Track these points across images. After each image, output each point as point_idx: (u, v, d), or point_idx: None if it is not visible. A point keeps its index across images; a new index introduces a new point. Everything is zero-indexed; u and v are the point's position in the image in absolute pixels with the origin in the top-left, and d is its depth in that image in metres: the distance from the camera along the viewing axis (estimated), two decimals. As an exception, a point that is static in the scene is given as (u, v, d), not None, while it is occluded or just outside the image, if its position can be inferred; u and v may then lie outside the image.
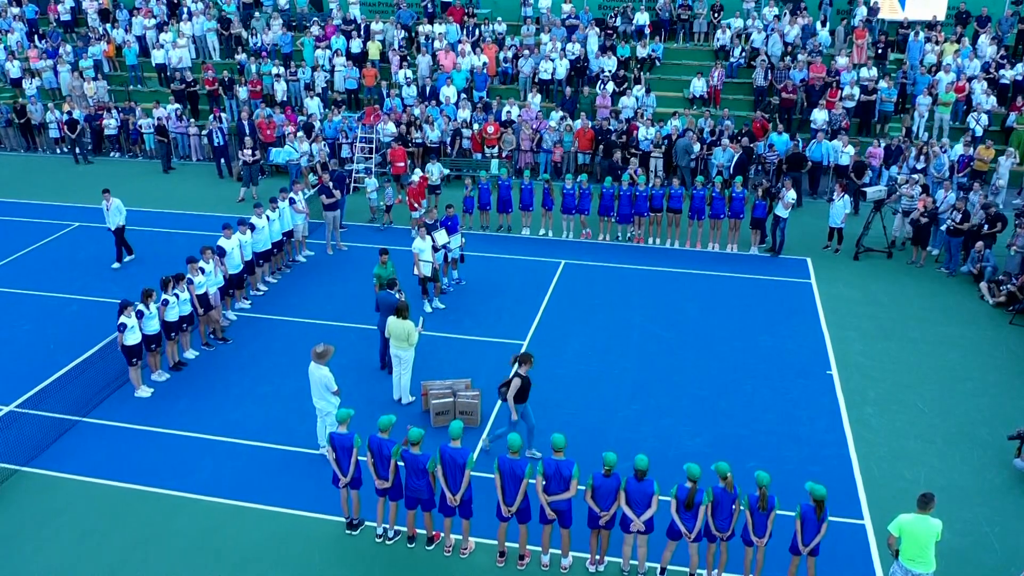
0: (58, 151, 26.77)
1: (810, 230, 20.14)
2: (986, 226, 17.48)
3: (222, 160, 24.21)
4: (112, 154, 26.58)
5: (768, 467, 11.68)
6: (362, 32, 28.51)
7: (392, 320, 12.88)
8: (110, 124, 26.05)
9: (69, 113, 25.79)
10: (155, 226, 20.76)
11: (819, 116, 23.50)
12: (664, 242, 19.63)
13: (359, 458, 10.22)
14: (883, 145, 21.98)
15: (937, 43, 25.63)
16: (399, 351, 13.02)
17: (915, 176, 19.34)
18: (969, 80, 24.19)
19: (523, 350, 11.81)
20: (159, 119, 25.19)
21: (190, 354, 14.83)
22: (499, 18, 29.16)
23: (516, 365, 11.50)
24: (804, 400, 13.53)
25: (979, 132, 22.69)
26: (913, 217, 18.20)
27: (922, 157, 21.07)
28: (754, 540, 9.36)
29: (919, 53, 25.50)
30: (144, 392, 13.69)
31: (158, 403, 13.54)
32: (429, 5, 29.66)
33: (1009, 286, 16.30)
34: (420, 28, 28.72)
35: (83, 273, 18.14)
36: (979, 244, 17.25)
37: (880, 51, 26.18)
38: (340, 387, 11.69)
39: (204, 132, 25.15)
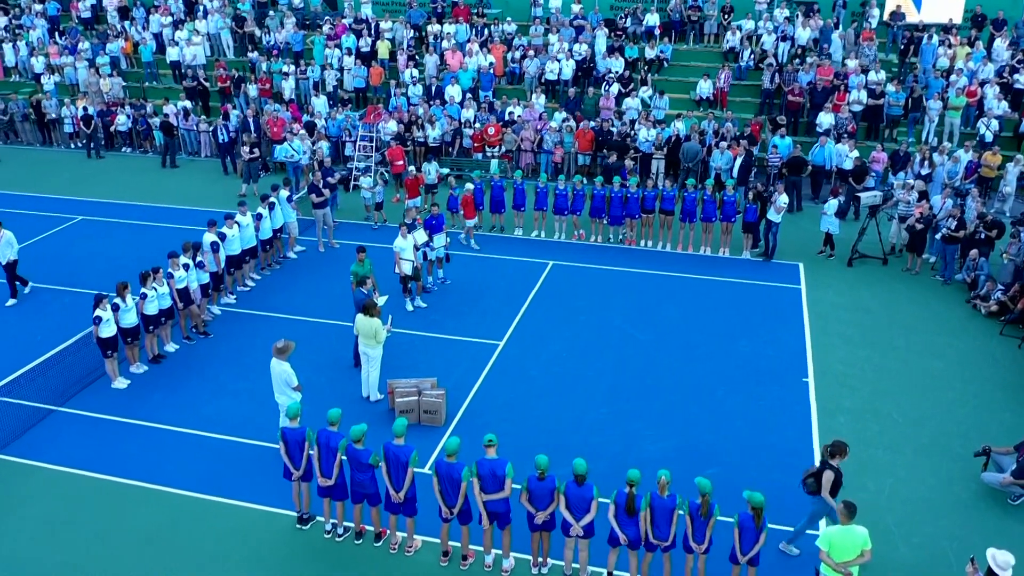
0: (72, 146, 27.29)
1: (807, 235, 19.82)
2: (982, 234, 17.09)
3: (227, 156, 24.47)
4: (124, 149, 27.03)
5: (731, 474, 11.67)
6: (372, 31, 28.67)
7: (359, 318, 12.97)
8: (121, 120, 26.48)
9: (85, 109, 26.28)
10: (157, 221, 21.06)
11: (825, 120, 23.15)
12: (656, 245, 19.48)
13: (310, 452, 10.31)
14: (889, 151, 21.57)
15: (951, 46, 25.12)
16: (367, 348, 13.10)
17: (909, 181, 18.96)
18: (981, 84, 23.67)
19: (833, 442, 10.03)
20: (164, 115, 25.61)
21: (170, 347, 15.04)
22: (509, 18, 29.15)
23: (827, 455, 10.00)
24: (776, 407, 13.35)
25: (989, 138, 22.21)
26: (909, 223, 17.85)
27: (926, 163, 20.69)
28: (693, 547, 9.26)
29: (932, 57, 25.01)
30: (120, 384, 13.93)
31: (133, 395, 13.76)
32: (439, 5, 29.74)
33: (998, 295, 15.93)
34: (429, 28, 28.81)
35: (79, 266, 18.47)
36: (973, 252, 16.88)
37: (901, 54, 25.83)
38: (314, 383, 11.78)
39: (210, 129, 25.48)
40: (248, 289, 17.36)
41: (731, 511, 9.62)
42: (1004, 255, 16.69)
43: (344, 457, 10.04)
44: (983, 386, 14.00)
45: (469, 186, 19.01)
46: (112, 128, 26.78)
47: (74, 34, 31.09)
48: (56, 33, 31.41)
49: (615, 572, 9.77)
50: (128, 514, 11.09)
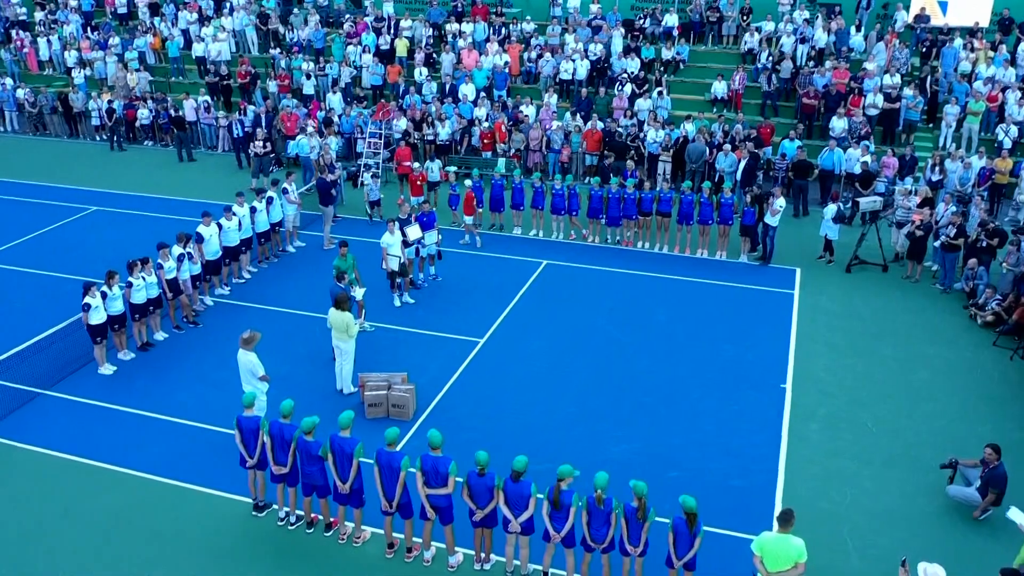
0: (98, 138, 28.03)
1: (810, 240, 19.50)
2: (984, 242, 16.67)
3: (241, 151, 24.93)
4: (145, 143, 27.70)
5: (691, 478, 11.63)
6: (391, 29, 28.95)
7: (332, 311, 13.16)
8: (143, 114, 27.15)
9: (109, 102, 27.03)
10: (167, 213, 21.52)
11: (838, 124, 22.76)
12: (653, 246, 19.36)
13: (264, 440, 10.50)
14: (900, 156, 21.17)
15: (973, 50, 24.51)
16: (339, 342, 13.30)
17: (907, 187, 18.58)
18: (1003, 90, 23.05)
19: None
20: (175, 110, 26.21)
21: (160, 336, 15.40)
22: (528, 17, 29.19)
23: None
24: (748, 412, 13.21)
25: (1008, 144, 21.63)
26: (908, 230, 17.50)
27: (936, 169, 20.25)
28: (628, 549, 9.24)
29: (953, 60, 24.43)
30: (107, 370, 14.32)
31: (118, 381, 14.16)
32: (459, 3, 29.90)
33: (994, 304, 15.53)
34: (448, 26, 28.98)
35: (87, 255, 18.95)
36: (972, 261, 16.49)
37: (922, 57, 25.32)
38: (292, 376, 11.96)
39: (226, 124, 25.99)
40: (243, 281, 17.68)
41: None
42: (1003, 264, 16.27)
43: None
44: (966, 398, 13.67)
45: (468, 183, 19.12)
46: (137, 123, 27.47)
47: (107, 29, 31.92)
48: (88, 28, 32.28)
49: (552, 571, 9.79)
50: (92, 496, 11.44)
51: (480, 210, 19.98)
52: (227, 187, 23.16)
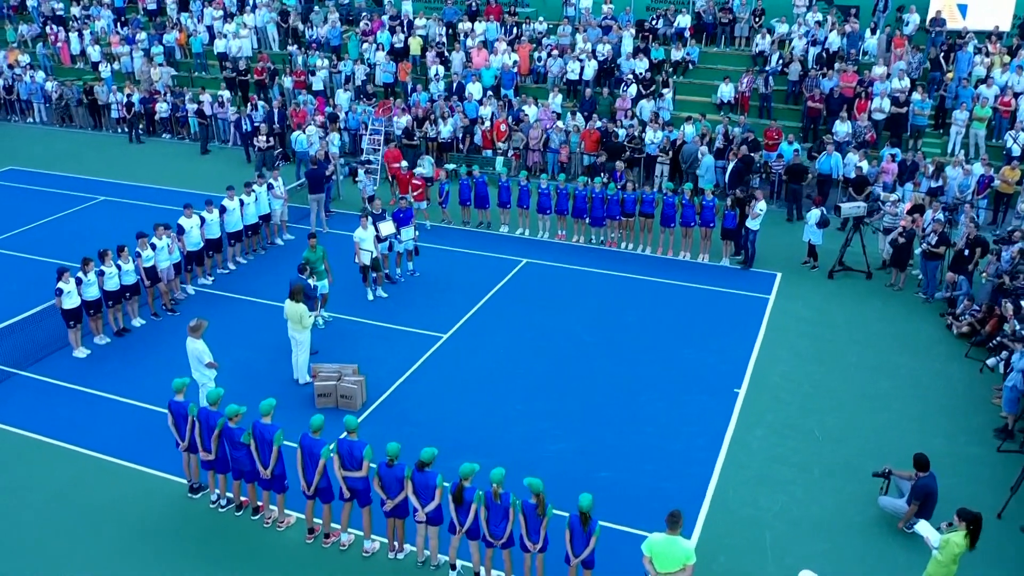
0: (119, 131, 28.96)
1: (798, 245, 19.20)
2: (966, 251, 16.29)
3: (249, 145, 25.51)
4: (163, 135, 28.51)
5: (621, 479, 11.69)
6: (405, 27, 29.30)
7: (287, 302, 13.48)
8: (162, 108, 27.96)
9: (128, 96, 27.92)
10: (168, 203, 22.08)
11: (840, 128, 22.38)
12: (637, 248, 19.32)
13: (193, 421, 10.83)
14: (898, 160, 20.75)
15: (988, 55, 23.86)
16: (294, 333, 13.62)
17: (895, 196, 18.20)
18: (1016, 96, 22.40)
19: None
20: (199, 104, 26.93)
21: (137, 322, 15.93)
22: (541, 17, 29.28)
23: None
24: (696, 416, 13.16)
25: (1016, 151, 21.03)
26: (892, 237, 17.18)
27: (936, 176, 19.78)
28: (528, 546, 9.34)
29: (968, 65, 23.82)
30: (81, 353, 14.89)
31: (90, 364, 14.71)
32: (474, 2, 30.12)
33: (968, 315, 15.17)
34: (461, 25, 29.22)
35: (88, 243, 19.48)
36: (950, 275, 16.11)
37: (935, 62, 24.71)
38: (252, 365, 12.35)
39: (234, 119, 26.63)
40: (227, 272, 18.15)
41: (613, 516, 9.54)
42: (983, 274, 15.88)
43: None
44: (925, 409, 13.39)
45: (419, 170, 19.43)
46: (156, 116, 28.30)
47: (135, 25, 32.92)
48: (119, 23, 33.33)
49: (459, 562, 9.94)
50: (41, 472, 11.95)
51: (468, 206, 20.27)
52: (233, 180, 23.68)
